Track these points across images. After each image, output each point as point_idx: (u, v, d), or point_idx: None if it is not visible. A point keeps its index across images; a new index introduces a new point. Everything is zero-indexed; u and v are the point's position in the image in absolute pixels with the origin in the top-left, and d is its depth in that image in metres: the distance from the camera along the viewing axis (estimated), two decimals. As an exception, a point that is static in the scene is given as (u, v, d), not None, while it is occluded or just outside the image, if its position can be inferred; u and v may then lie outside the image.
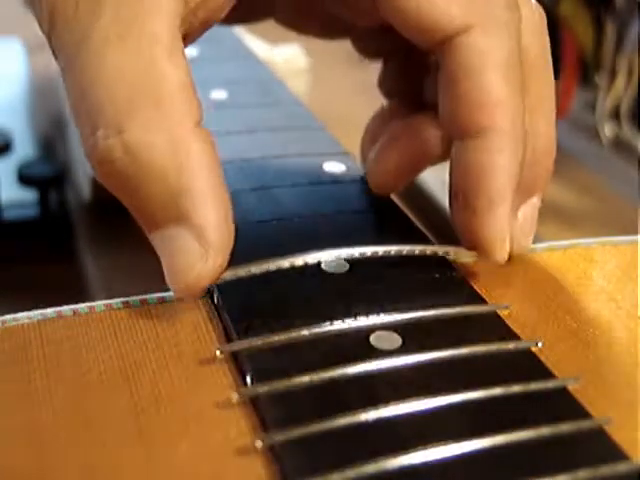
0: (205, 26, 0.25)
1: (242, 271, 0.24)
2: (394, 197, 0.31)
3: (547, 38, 0.27)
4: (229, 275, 0.24)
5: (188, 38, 0.25)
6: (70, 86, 0.23)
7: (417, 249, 0.26)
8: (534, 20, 0.27)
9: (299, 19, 0.33)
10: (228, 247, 0.23)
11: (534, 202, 0.28)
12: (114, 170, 0.22)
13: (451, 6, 0.24)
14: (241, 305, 0.24)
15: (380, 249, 0.25)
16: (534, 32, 0.27)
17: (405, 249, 0.26)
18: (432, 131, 0.28)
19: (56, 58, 0.24)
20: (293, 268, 0.25)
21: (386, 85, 0.33)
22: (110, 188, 0.23)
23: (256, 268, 0.24)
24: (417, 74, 0.31)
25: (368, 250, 0.25)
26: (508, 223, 0.25)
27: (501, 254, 0.25)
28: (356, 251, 0.25)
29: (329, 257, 0.25)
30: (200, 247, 0.23)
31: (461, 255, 0.26)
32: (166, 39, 0.23)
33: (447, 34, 0.25)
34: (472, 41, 0.24)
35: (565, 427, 0.20)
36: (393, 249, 0.25)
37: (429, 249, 0.26)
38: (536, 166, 0.27)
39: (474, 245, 0.25)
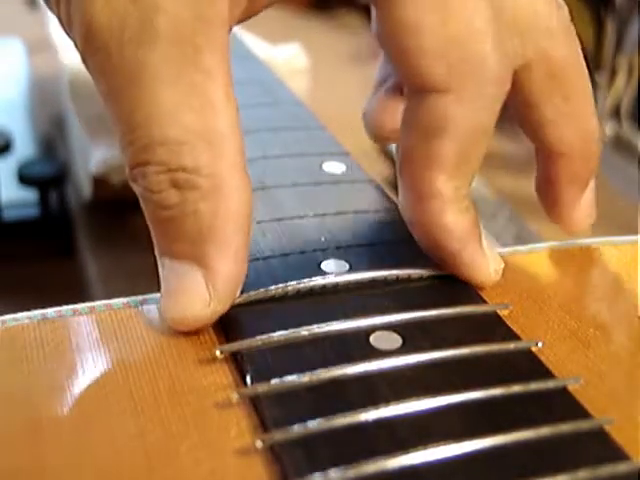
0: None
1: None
2: (394, 197, 0.31)
3: (578, 45, 0.28)
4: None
5: None
6: (117, 116, 0.23)
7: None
8: (564, 28, 0.27)
9: None
10: (232, 300, 0.24)
11: (591, 186, 0.29)
12: (157, 198, 0.23)
13: (438, 65, 0.24)
14: (241, 305, 0.24)
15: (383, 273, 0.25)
16: (564, 41, 0.27)
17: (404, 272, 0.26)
18: None
19: (93, 77, 0.23)
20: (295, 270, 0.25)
21: None
22: (144, 208, 0.23)
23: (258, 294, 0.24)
24: None
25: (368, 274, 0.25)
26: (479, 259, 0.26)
27: (489, 281, 0.26)
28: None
29: (333, 267, 0.25)
30: (207, 293, 0.23)
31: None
32: (220, 76, 0.23)
33: (424, 87, 0.25)
34: (443, 104, 0.24)
35: (565, 427, 0.20)
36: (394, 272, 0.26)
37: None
38: (589, 158, 0.28)
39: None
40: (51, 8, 0.24)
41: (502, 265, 0.26)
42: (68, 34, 0.23)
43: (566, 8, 0.28)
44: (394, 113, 0.31)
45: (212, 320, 0.23)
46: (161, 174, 0.22)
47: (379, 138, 0.33)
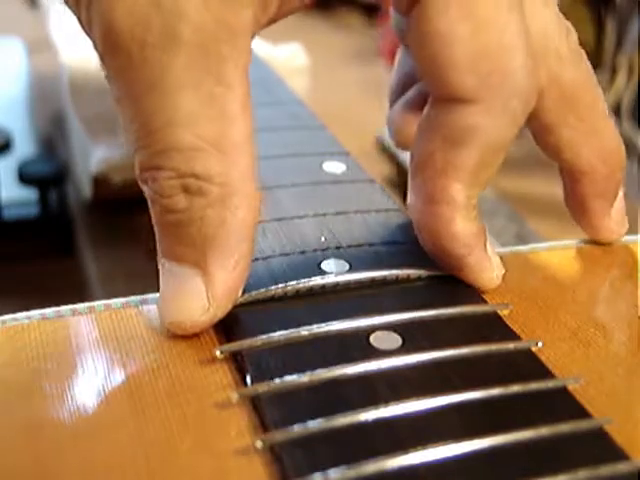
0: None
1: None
2: (394, 196, 0.31)
3: (588, 66, 0.28)
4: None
5: None
6: (133, 119, 0.23)
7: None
8: (573, 51, 0.28)
9: None
10: (230, 307, 0.24)
11: (620, 196, 0.30)
12: (166, 202, 0.23)
13: (468, 76, 0.24)
14: (241, 305, 0.24)
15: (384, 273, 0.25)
16: (573, 63, 0.27)
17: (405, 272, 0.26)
18: None
19: (110, 79, 0.23)
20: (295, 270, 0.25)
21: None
22: (151, 208, 0.24)
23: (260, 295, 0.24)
24: None
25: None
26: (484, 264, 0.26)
27: (492, 284, 0.26)
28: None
29: (333, 267, 0.25)
30: (205, 299, 0.23)
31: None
32: (240, 87, 0.23)
33: (452, 97, 0.24)
34: (470, 115, 0.24)
35: (565, 427, 0.20)
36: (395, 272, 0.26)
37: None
38: (612, 173, 0.29)
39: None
40: (70, 7, 0.24)
41: (503, 271, 0.26)
42: (88, 34, 0.23)
43: (575, 34, 0.28)
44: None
45: (210, 325, 0.24)
46: (173, 179, 0.23)
47: (406, 147, 0.33)
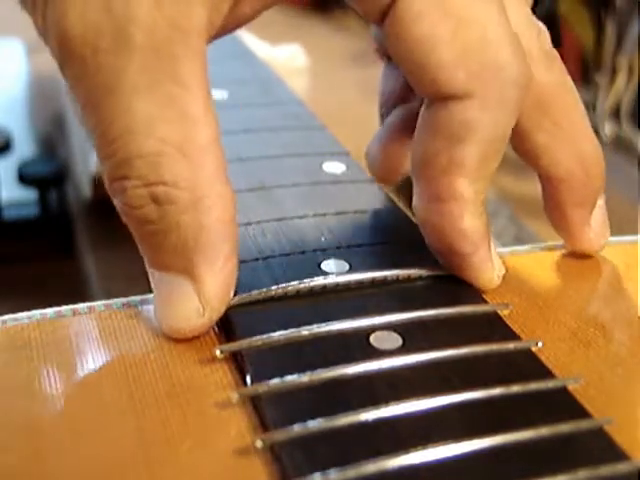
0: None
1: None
2: (394, 196, 0.31)
3: (562, 68, 0.28)
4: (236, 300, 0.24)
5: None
6: (94, 129, 0.22)
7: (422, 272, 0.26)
8: (545, 53, 0.27)
9: None
10: (225, 306, 0.24)
11: (600, 205, 0.29)
12: (138, 214, 0.23)
13: (457, 72, 0.24)
14: (241, 305, 0.24)
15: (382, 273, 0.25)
16: (546, 65, 0.27)
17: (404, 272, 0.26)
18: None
19: (70, 88, 0.23)
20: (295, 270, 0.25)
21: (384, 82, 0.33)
22: (127, 222, 0.23)
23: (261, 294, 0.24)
24: None
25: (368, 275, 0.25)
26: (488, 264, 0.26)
27: (492, 284, 0.26)
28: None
29: (333, 267, 0.25)
30: (199, 302, 0.23)
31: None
32: (198, 87, 0.22)
33: (444, 96, 0.24)
34: (466, 110, 0.24)
35: (565, 427, 0.20)
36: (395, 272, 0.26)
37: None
38: (591, 180, 0.28)
39: None
40: (30, 15, 0.23)
41: (503, 271, 0.26)
42: (45, 42, 0.23)
43: (547, 34, 0.28)
44: (399, 159, 0.31)
45: (208, 327, 0.23)
46: (140, 188, 0.22)
47: (383, 181, 0.32)
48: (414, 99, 0.29)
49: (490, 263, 0.26)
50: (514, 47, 0.24)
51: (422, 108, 0.25)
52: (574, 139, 0.27)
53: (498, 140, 0.25)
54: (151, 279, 0.24)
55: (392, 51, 0.25)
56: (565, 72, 0.28)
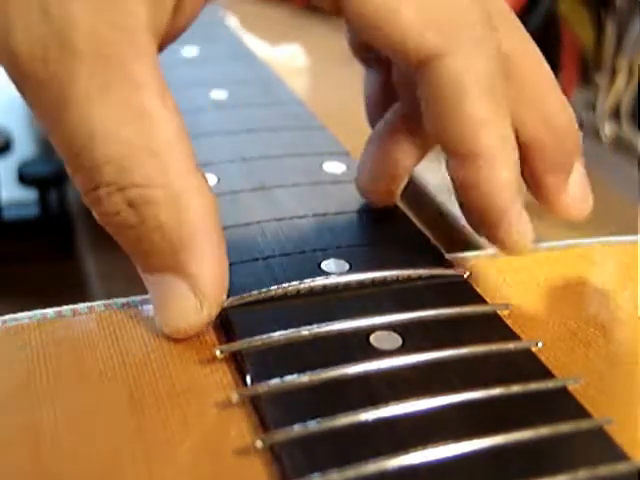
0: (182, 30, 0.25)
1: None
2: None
3: (520, 27, 0.27)
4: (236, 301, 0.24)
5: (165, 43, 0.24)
6: (59, 145, 0.22)
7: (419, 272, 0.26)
8: (507, 21, 0.26)
9: None
10: (222, 299, 0.23)
11: (579, 170, 0.28)
12: (117, 220, 0.22)
13: (426, 31, 0.24)
14: (241, 305, 0.24)
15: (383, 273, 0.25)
16: (504, 27, 0.26)
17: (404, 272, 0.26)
18: (404, 143, 0.28)
19: (30, 109, 0.23)
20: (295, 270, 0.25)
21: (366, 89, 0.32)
22: (111, 232, 0.23)
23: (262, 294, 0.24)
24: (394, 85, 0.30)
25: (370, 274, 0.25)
26: (522, 221, 0.25)
27: (525, 249, 0.25)
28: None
29: (333, 267, 0.25)
30: (195, 299, 0.23)
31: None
32: (151, 84, 0.22)
33: (423, 58, 0.24)
34: (449, 65, 0.24)
35: (565, 427, 0.20)
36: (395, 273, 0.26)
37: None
38: (561, 143, 0.27)
39: (499, 247, 0.26)
40: None
41: (533, 241, 0.25)
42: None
43: None
44: (388, 183, 0.30)
45: (208, 322, 0.23)
46: (113, 195, 0.22)
47: (380, 200, 0.30)
48: (398, 99, 0.29)
49: (524, 223, 0.25)
50: (481, 13, 0.24)
51: (417, 84, 0.25)
52: (539, 102, 0.26)
53: (496, 80, 0.24)
54: (145, 283, 0.24)
55: (360, 32, 0.25)
56: (524, 34, 0.27)
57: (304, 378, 0.21)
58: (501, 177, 0.24)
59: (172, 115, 0.22)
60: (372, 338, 0.23)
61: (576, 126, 0.27)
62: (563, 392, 0.22)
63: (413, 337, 0.23)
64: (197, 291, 0.23)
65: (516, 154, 0.25)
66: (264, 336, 0.23)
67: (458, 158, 0.25)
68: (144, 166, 0.22)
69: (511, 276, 0.27)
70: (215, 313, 0.23)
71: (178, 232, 0.22)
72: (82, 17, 0.21)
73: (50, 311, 0.24)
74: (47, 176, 0.51)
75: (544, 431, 0.20)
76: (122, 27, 0.22)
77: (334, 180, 0.31)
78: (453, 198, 0.27)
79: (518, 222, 0.25)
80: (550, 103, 0.27)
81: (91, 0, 0.21)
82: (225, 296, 0.24)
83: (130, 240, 0.23)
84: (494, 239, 0.26)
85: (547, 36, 0.56)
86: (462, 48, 0.24)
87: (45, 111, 0.22)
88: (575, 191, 0.27)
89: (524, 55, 0.27)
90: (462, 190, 0.25)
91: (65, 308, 0.25)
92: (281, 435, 0.20)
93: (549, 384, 0.22)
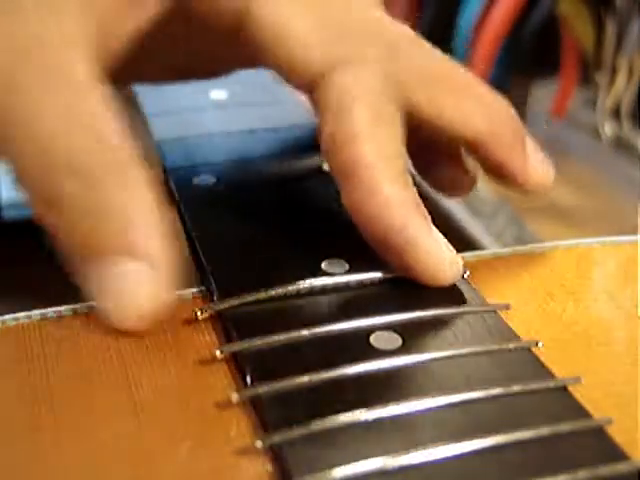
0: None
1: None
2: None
3: (425, 44, 0.27)
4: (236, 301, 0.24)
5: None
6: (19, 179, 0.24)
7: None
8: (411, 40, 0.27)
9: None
10: (176, 277, 0.23)
11: (532, 147, 0.28)
12: (65, 217, 0.23)
13: (311, 51, 0.25)
14: (241, 305, 0.24)
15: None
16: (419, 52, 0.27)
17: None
18: None
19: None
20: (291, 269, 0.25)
21: None
22: (60, 242, 0.24)
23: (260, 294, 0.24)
24: None
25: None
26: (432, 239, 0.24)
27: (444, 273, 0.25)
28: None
29: (332, 267, 0.25)
30: (152, 274, 0.22)
31: None
32: (92, 90, 0.23)
33: (307, 80, 0.25)
34: (337, 79, 0.24)
35: (565, 427, 0.20)
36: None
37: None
38: (501, 127, 0.27)
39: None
40: None
41: (461, 272, 0.25)
42: None
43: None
44: None
45: (170, 302, 0.23)
46: (75, 200, 0.23)
47: None
48: None
49: (434, 243, 0.24)
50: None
51: (312, 94, 0.26)
52: (468, 98, 0.26)
53: (380, 96, 0.25)
54: (89, 282, 0.23)
55: (254, 45, 0.25)
56: (428, 48, 0.27)
57: (304, 378, 0.21)
58: (386, 191, 0.24)
59: (96, 86, 0.23)
60: (372, 338, 0.23)
61: (509, 107, 0.27)
62: (563, 392, 0.22)
63: (413, 337, 0.23)
64: (152, 265, 0.22)
65: (405, 176, 0.24)
66: (264, 336, 0.23)
67: (341, 181, 0.25)
68: (79, 139, 0.22)
69: (511, 276, 0.27)
70: (175, 282, 0.23)
71: (123, 214, 0.22)
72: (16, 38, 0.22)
73: (50, 311, 0.24)
74: (47, 176, 0.51)
75: (544, 431, 0.20)
76: (49, 42, 0.23)
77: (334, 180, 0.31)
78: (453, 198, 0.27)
79: (426, 241, 0.24)
80: (477, 97, 0.27)
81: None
82: (177, 275, 0.23)
83: (76, 233, 0.23)
84: (406, 268, 0.25)
85: (547, 36, 0.56)
86: (349, 64, 0.25)
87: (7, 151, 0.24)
88: (535, 157, 0.28)
89: (431, 65, 0.27)
90: (354, 217, 0.25)
91: (65, 308, 0.25)
92: (281, 435, 0.20)
93: (549, 384, 0.22)
